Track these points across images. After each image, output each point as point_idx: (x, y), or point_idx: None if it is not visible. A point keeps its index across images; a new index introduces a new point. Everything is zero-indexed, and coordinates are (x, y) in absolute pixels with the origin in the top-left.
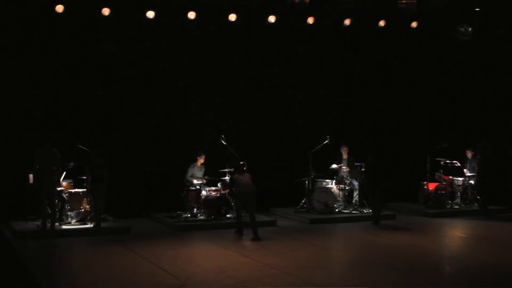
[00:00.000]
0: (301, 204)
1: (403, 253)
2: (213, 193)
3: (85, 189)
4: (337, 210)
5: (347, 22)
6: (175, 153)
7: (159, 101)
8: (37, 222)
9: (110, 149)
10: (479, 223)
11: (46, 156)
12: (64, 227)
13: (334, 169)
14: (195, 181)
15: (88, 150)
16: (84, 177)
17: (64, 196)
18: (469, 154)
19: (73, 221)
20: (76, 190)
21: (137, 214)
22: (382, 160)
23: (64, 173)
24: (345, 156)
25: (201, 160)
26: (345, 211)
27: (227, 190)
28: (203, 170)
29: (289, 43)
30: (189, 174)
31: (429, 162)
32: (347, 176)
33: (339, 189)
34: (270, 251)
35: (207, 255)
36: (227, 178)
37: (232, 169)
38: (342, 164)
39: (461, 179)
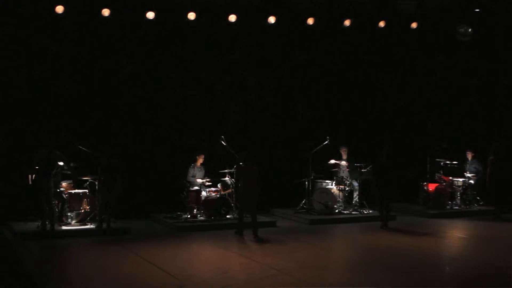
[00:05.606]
0: (301, 205)
1: (403, 253)
2: (213, 194)
3: (85, 190)
4: (337, 211)
5: (347, 22)
6: (175, 153)
7: (159, 101)
8: (37, 223)
9: (110, 149)
10: (479, 224)
11: (47, 157)
12: (63, 227)
13: (332, 164)
14: (198, 180)
15: (88, 151)
16: (86, 178)
17: (64, 196)
18: (469, 156)
19: (73, 221)
20: (76, 191)
21: (137, 214)
22: (395, 159)
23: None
24: (344, 157)
25: (200, 160)
26: (345, 212)
27: (228, 190)
28: (203, 170)
29: (289, 44)
30: (190, 174)
31: (429, 163)
32: (347, 177)
33: (339, 189)
34: (270, 251)
35: (207, 256)
36: (227, 178)
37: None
38: (341, 160)
39: (461, 179)
